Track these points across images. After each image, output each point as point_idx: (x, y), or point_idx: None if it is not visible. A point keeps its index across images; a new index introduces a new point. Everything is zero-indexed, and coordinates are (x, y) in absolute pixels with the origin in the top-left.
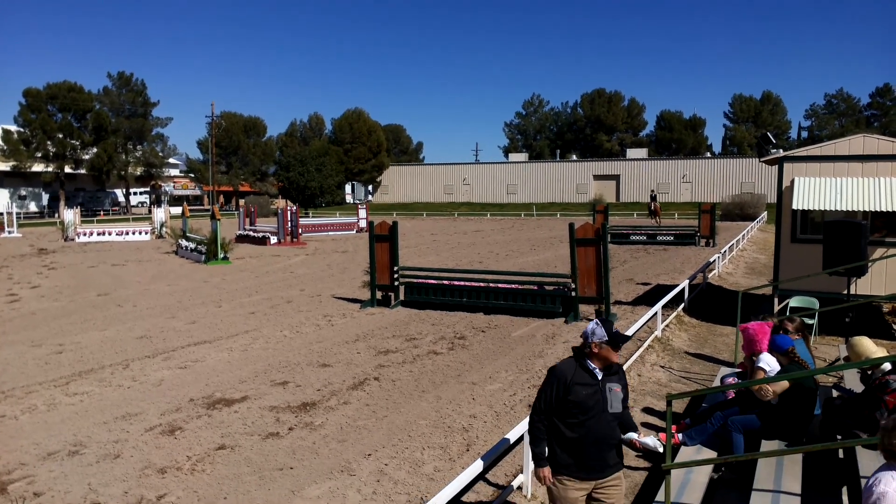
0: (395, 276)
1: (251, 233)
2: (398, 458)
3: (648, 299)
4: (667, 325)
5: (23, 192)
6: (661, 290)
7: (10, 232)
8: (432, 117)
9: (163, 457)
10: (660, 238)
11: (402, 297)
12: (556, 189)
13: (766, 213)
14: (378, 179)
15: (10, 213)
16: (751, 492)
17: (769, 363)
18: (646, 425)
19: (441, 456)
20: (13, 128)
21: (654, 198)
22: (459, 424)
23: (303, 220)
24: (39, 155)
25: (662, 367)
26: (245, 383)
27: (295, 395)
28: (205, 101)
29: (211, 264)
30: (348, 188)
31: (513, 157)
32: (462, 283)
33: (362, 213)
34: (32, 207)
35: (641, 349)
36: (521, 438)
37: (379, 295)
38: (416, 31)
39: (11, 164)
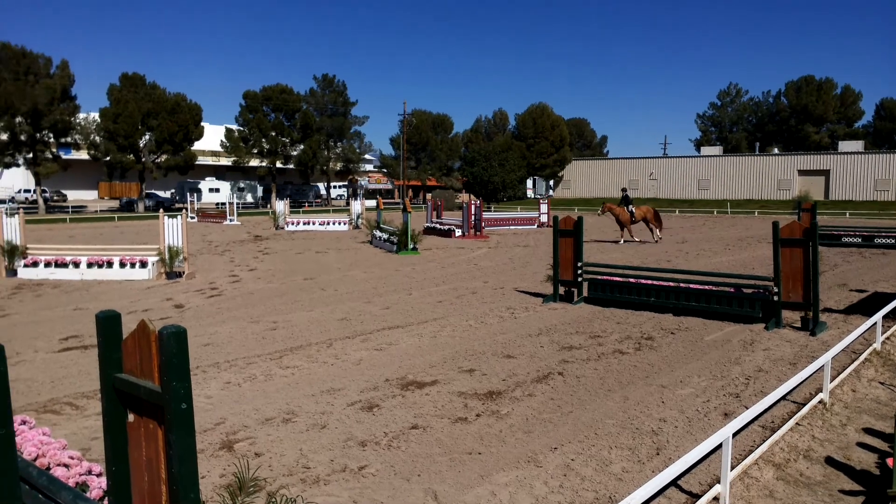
0: (579, 271)
1: (437, 225)
2: (584, 454)
3: (865, 308)
4: (888, 338)
5: (241, 185)
6: (881, 298)
7: (231, 220)
8: (618, 110)
9: (363, 431)
10: (879, 241)
11: (585, 293)
12: (754, 185)
13: None
14: (560, 174)
15: (231, 203)
16: None
17: None
18: (863, 446)
19: (629, 457)
20: (234, 127)
21: (626, 198)
22: (648, 427)
23: (485, 214)
24: (255, 151)
25: (882, 383)
26: (434, 368)
27: (481, 382)
28: (398, 99)
29: (401, 254)
30: (529, 183)
31: (705, 150)
32: (650, 281)
33: (543, 207)
34: (249, 198)
35: (857, 363)
36: (718, 447)
37: (561, 290)
38: (600, 24)
39: (233, 159)
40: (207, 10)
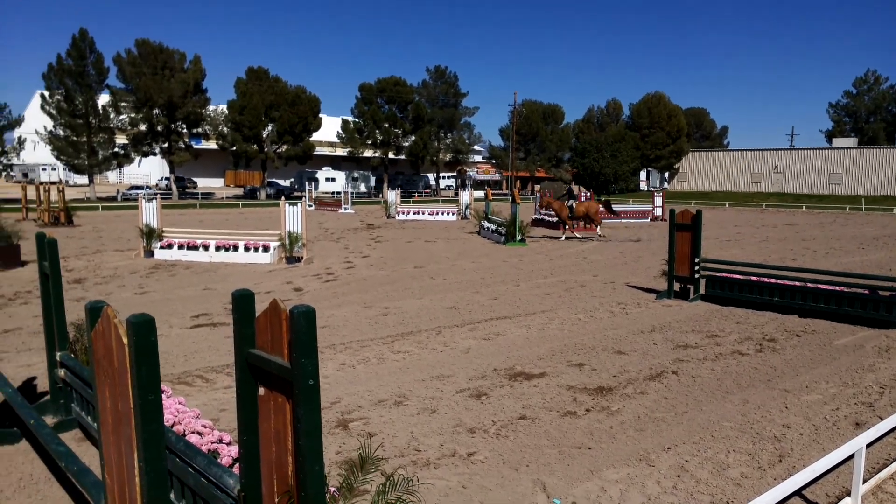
0: (696, 268)
1: (546, 217)
2: (700, 456)
3: None
4: None
5: (355, 175)
6: None
7: (345, 209)
8: (739, 100)
9: (471, 418)
10: None
11: (702, 290)
12: (893, 179)
13: None
14: (676, 166)
15: (346, 193)
16: None
17: None
18: None
19: (749, 462)
20: (350, 119)
21: (570, 193)
22: (770, 433)
23: None
24: (369, 142)
25: None
26: (543, 360)
27: (591, 377)
28: (508, 90)
29: (509, 245)
30: (643, 175)
31: (837, 142)
32: (773, 280)
33: (657, 201)
34: (362, 188)
35: None
36: (850, 458)
37: (677, 287)
38: (721, 8)
39: (348, 150)
40: (329, 6)
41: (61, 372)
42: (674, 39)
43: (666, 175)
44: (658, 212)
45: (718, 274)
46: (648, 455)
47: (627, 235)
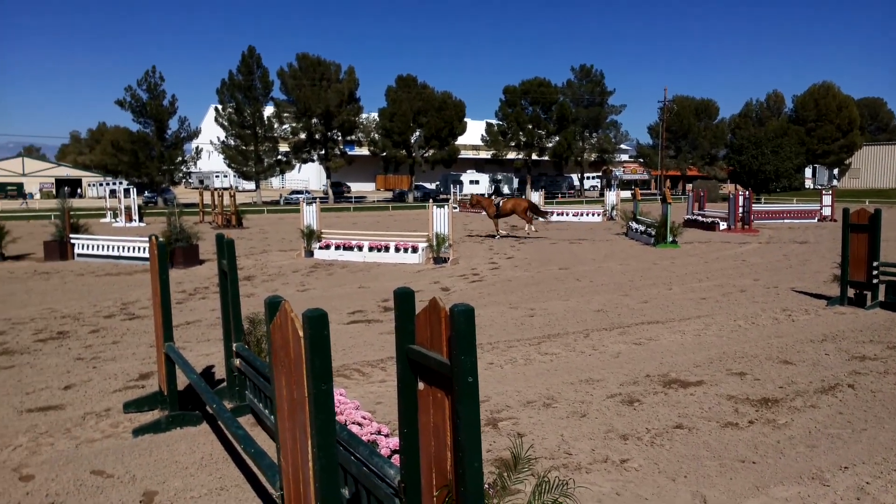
0: (874, 272)
1: (699, 217)
2: (883, 479)
3: None
4: None
5: (498, 177)
6: None
7: None
8: None
9: (624, 424)
10: None
11: (881, 297)
12: None
13: None
14: (847, 162)
15: (489, 195)
16: None
17: None
18: None
19: None
20: (494, 121)
21: (497, 190)
22: None
23: (754, 206)
24: (513, 144)
25: None
26: (699, 368)
27: (754, 388)
28: (657, 86)
29: (659, 247)
30: (808, 172)
31: None
32: None
33: (826, 199)
34: (505, 190)
35: None
36: None
37: (851, 293)
38: None
39: (492, 152)
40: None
41: (237, 361)
42: (841, 27)
43: (835, 172)
44: (827, 211)
45: None
46: (822, 474)
47: (792, 237)
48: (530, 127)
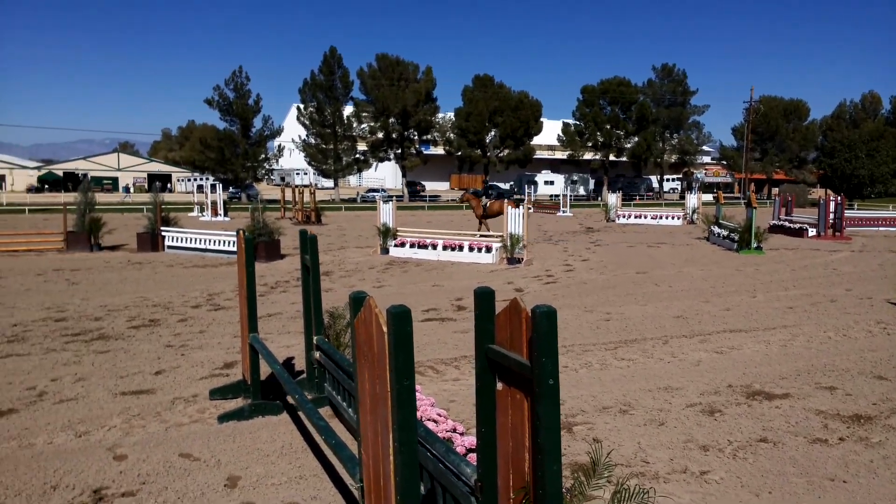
0: None
1: (786, 223)
2: None
3: None
4: None
5: (574, 178)
6: None
7: (563, 211)
8: None
9: (704, 435)
10: None
11: None
12: None
13: None
14: None
15: (564, 195)
16: None
17: None
18: None
19: None
20: (571, 121)
21: (486, 190)
22: None
23: (847, 213)
24: (590, 144)
25: None
26: (786, 380)
27: (845, 403)
28: (744, 86)
29: (743, 253)
30: None
31: None
32: None
33: None
34: (581, 191)
35: None
36: None
37: None
38: None
39: (568, 153)
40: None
41: (317, 354)
42: None
43: None
44: None
45: None
46: None
47: (888, 245)
48: (608, 127)
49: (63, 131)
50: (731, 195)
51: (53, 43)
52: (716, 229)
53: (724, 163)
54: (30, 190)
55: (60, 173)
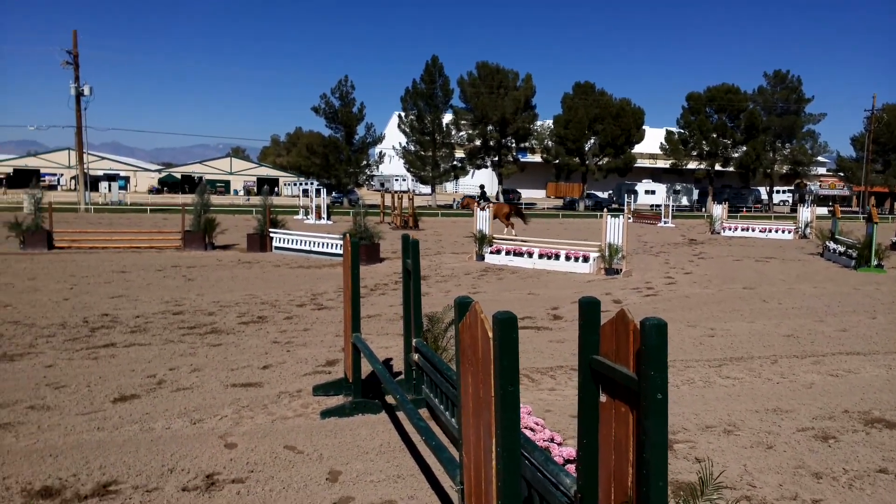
0: None
1: None
2: None
3: None
4: None
5: (677, 187)
6: None
7: (665, 222)
8: None
9: (816, 461)
10: None
11: None
12: None
13: None
14: None
15: (666, 206)
16: None
17: None
18: None
19: None
20: (675, 129)
21: (483, 195)
22: None
23: None
24: (694, 153)
25: None
26: None
27: None
28: (865, 94)
29: (862, 271)
30: None
31: None
32: None
33: None
34: (683, 201)
35: None
36: None
37: None
38: None
39: (671, 162)
40: (653, 21)
41: (415, 356)
42: None
43: None
44: None
45: None
46: None
47: None
48: (714, 136)
49: (182, 136)
50: (849, 209)
51: (176, 54)
52: (831, 245)
53: (841, 174)
54: (151, 191)
55: (178, 176)
